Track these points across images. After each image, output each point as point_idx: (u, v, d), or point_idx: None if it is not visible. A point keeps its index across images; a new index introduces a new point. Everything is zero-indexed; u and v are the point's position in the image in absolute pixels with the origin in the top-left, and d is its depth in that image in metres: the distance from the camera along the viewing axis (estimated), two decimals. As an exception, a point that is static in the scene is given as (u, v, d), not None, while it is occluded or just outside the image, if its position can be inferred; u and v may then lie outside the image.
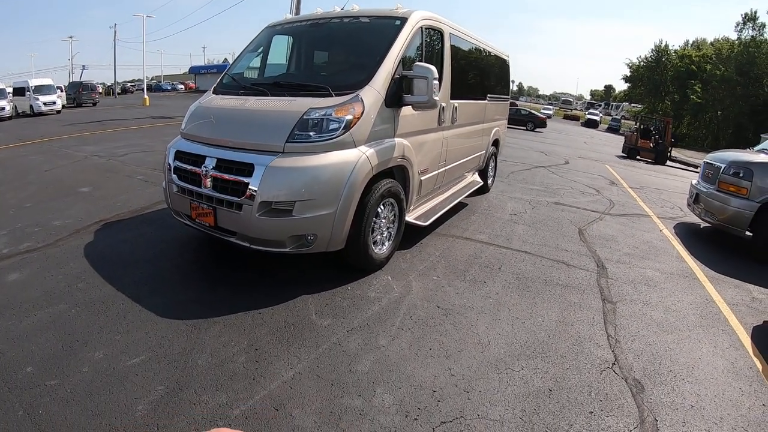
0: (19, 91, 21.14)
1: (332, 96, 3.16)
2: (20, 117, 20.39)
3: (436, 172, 4.43)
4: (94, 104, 27.87)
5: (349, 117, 3.07)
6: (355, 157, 3.06)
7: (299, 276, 3.43)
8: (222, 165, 3.13)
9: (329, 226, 3.02)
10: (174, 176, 3.44)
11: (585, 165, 12.72)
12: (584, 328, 3.03)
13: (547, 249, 4.63)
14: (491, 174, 7.17)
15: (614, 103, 70.83)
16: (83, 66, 49.75)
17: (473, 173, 6.36)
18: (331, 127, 3.04)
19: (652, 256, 4.78)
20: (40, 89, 20.91)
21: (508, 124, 8.03)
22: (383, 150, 3.28)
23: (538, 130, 26.13)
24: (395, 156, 3.40)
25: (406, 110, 3.55)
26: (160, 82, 63.00)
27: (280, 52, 4.40)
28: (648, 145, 18.86)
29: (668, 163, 18.97)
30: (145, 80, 33.81)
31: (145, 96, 30.02)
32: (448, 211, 4.89)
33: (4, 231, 4.28)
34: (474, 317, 3.05)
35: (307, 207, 2.94)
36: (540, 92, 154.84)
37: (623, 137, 21.30)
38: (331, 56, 4.36)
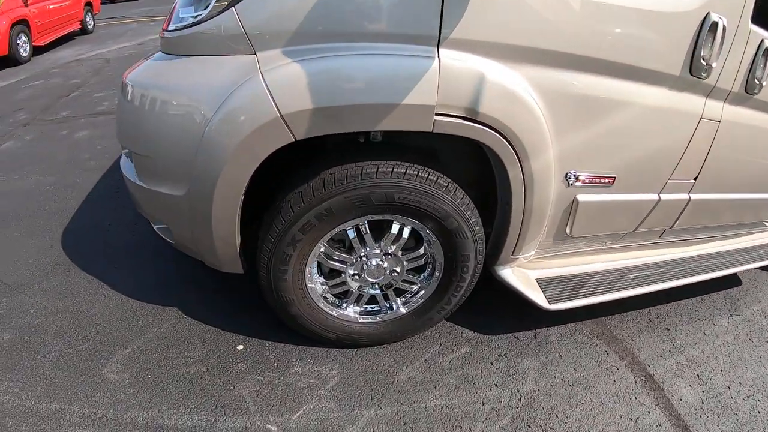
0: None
1: None
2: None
3: (648, 196, 1.70)
4: None
5: None
6: (232, 79, 1.14)
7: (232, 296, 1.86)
8: None
9: (183, 221, 1.37)
10: None
11: None
12: None
13: None
14: None
15: None
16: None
17: None
18: None
19: None
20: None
21: None
22: (357, 70, 1.13)
23: None
24: (419, 100, 1.15)
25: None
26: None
27: None
28: None
29: None
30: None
31: None
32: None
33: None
34: None
35: (148, 170, 1.39)
36: None
37: None
38: None
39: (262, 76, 1.12)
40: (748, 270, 2.48)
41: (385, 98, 1.13)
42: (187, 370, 1.56)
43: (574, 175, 1.48)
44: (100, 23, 9.84)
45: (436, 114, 1.19)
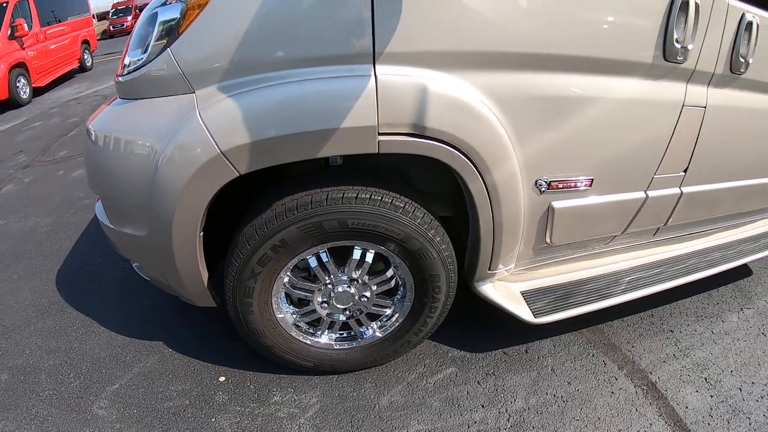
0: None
1: None
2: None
3: (634, 195, 1.70)
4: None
5: (178, 11, 1.21)
6: (174, 120, 1.22)
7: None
8: None
9: (151, 260, 1.47)
10: None
11: None
12: None
13: None
14: None
15: None
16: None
17: None
18: (150, 36, 1.28)
19: None
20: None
21: None
22: (290, 99, 1.18)
23: None
24: (358, 122, 1.19)
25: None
26: None
27: None
28: None
29: None
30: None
31: None
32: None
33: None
34: None
35: (113, 212, 1.50)
36: None
37: None
38: None
39: (200, 115, 1.20)
40: (759, 259, 2.40)
41: (322, 124, 1.18)
42: (171, 404, 1.65)
43: (546, 182, 1.49)
44: (99, 59, 10.40)
45: (380, 134, 1.23)
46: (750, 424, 1.67)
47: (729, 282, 2.47)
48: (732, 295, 2.38)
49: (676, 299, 2.26)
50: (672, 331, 2.06)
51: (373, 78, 1.19)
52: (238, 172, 1.22)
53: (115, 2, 26.50)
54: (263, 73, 1.20)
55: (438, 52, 1.23)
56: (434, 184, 1.61)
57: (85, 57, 9.50)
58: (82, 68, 9.36)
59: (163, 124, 1.26)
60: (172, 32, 1.21)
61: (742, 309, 2.29)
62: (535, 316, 1.64)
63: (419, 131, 1.25)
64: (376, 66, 1.20)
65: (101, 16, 21.45)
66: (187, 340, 1.91)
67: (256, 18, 1.14)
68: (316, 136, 1.20)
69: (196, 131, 1.20)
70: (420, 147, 1.27)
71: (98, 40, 11.20)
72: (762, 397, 1.78)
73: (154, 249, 1.41)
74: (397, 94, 1.21)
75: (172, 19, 1.21)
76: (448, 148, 1.28)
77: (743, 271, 2.60)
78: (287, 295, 1.54)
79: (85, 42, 9.58)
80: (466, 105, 1.26)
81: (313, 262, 1.43)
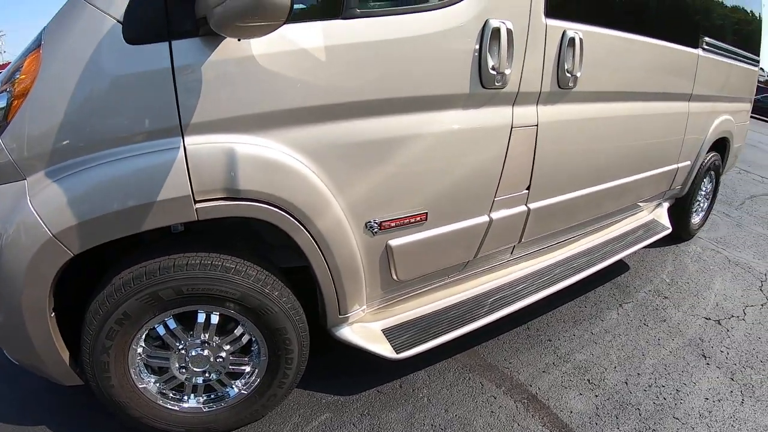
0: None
1: None
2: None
3: (476, 220, 1.87)
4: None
5: (4, 101, 1.36)
6: (8, 208, 1.36)
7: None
8: None
9: (13, 344, 1.56)
10: None
11: None
12: None
13: None
14: (700, 207, 3.93)
15: None
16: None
17: (656, 205, 3.11)
18: None
19: None
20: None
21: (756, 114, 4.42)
22: (107, 179, 1.33)
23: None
24: (172, 193, 1.35)
25: (270, 44, 1.35)
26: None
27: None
28: None
29: None
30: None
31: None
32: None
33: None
34: None
35: None
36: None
37: None
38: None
39: (29, 201, 1.33)
40: (634, 252, 2.57)
41: (138, 200, 1.33)
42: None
43: (376, 223, 1.66)
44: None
45: (197, 201, 1.38)
46: (640, 415, 1.78)
47: (606, 281, 2.67)
48: (610, 294, 2.58)
49: (553, 308, 2.41)
50: (550, 340, 2.21)
51: (182, 149, 1.34)
52: (71, 252, 1.36)
53: (-2, 65, 26.04)
54: (84, 155, 1.33)
55: (241, 116, 1.39)
56: (281, 238, 1.75)
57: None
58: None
59: (2, 212, 1.37)
60: (2, 122, 1.35)
61: (621, 305, 2.48)
62: (396, 351, 1.77)
63: (234, 194, 1.41)
64: (185, 137, 1.35)
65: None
66: (69, 421, 1.93)
67: (71, 104, 1.29)
68: (135, 212, 1.35)
69: (29, 217, 1.33)
70: (238, 209, 1.44)
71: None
72: (650, 386, 1.91)
73: (11, 333, 1.49)
74: (206, 161, 1.37)
75: (1, 109, 1.36)
76: (265, 206, 1.45)
77: (620, 268, 2.82)
78: (147, 365, 1.66)
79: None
80: (275, 163, 1.44)
81: (161, 330, 1.56)
